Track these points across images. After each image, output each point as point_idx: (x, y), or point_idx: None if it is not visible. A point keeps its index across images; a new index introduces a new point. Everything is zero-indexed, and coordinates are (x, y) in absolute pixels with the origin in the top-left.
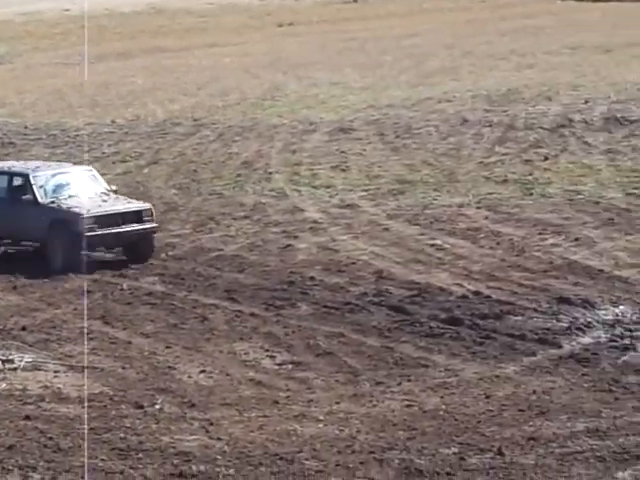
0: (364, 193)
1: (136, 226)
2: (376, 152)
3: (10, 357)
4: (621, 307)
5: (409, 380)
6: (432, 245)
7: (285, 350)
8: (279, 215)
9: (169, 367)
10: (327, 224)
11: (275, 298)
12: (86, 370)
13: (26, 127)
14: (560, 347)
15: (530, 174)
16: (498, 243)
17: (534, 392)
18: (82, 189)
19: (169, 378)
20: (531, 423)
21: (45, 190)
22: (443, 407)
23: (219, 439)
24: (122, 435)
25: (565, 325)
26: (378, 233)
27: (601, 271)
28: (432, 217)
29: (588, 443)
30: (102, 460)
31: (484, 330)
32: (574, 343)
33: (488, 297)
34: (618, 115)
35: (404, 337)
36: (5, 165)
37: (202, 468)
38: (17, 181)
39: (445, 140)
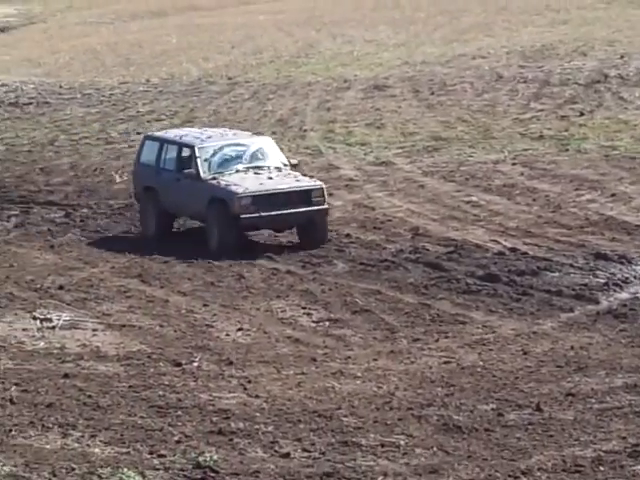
0: (399, 150)
1: (301, 208)
2: (411, 109)
3: (48, 316)
4: None
5: (446, 337)
6: (468, 202)
7: (322, 307)
8: (314, 172)
9: (207, 325)
10: (362, 181)
11: (312, 256)
12: (124, 328)
13: (61, 86)
14: (597, 303)
15: (566, 130)
16: (534, 199)
17: (572, 348)
18: (252, 163)
19: (207, 336)
20: (569, 379)
21: (210, 164)
22: (480, 363)
23: (257, 397)
24: (161, 393)
25: (602, 281)
26: (414, 190)
27: (638, 226)
28: (467, 174)
29: (626, 398)
30: (141, 418)
31: (521, 286)
32: (611, 299)
33: (525, 253)
34: None
35: (441, 294)
36: (178, 134)
37: (241, 425)
38: (185, 152)
39: (480, 97)
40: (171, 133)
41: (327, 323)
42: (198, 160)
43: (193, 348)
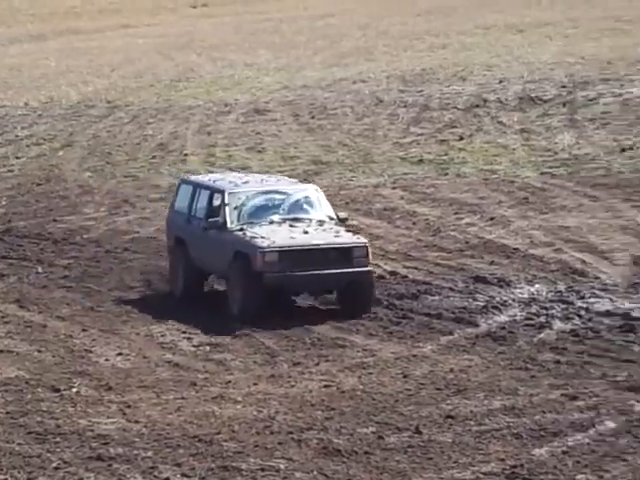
0: (280, 174)
1: (339, 269)
2: (291, 133)
3: None
4: (536, 285)
5: (327, 360)
6: (348, 226)
7: (202, 332)
8: None
9: (85, 350)
10: None
11: None
12: (1, 354)
13: None
14: (477, 326)
15: (445, 154)
16: (414, 223)
17: (451, 370)
18: (291, 214)
19: (86, 361)
20: (448, 401)
21: (240, 212)
22: (361, 387)
23: (137, 422)
24: (39, 419)
25: (481, 304)
26: None
27: (516, 250)
28: (348, 197)
29: (505, 420)
30: (19, 444)
31: (401, 310)
32: (490, 322)
33: (405, 277)
34: (532, 94)
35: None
36: (213, 177)
37: (120, 451)
38: (215, 199)
39: (360, 121)
40: (207, 177)
41: (207, 347)
42: (227, 208)
43: (72, 373)
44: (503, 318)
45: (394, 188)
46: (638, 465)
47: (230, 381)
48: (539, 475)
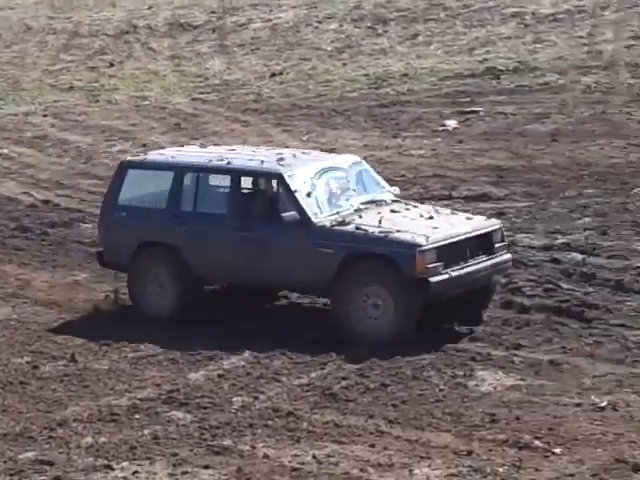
0: None
1: (485, 261)
2: None
3: None
4: None
5: None
6: None
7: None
8: None
9: None
10: None
11: None
12: None
13: None
14: None
15: (96, 81)
16: (65, 151)
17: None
18: (363, 196)
19: None
20: (105, 329)
21: (318, 201)
22: (15, 317)
23: None
24: None
25: None
26: None
27: None
28: None
29: (160, 347)
30: None
31: (54, 238)
32: None
33: (57, 205)
34: (181, 20)
35: None
36: (223, 155)
37: None
38: (257, 185)
39: (9, 48)
40: (193, 157)
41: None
42: (297, 195)
43: None
44: None
45: (45, 116)
46: (292, 386)
47: None
48: (195, 399)
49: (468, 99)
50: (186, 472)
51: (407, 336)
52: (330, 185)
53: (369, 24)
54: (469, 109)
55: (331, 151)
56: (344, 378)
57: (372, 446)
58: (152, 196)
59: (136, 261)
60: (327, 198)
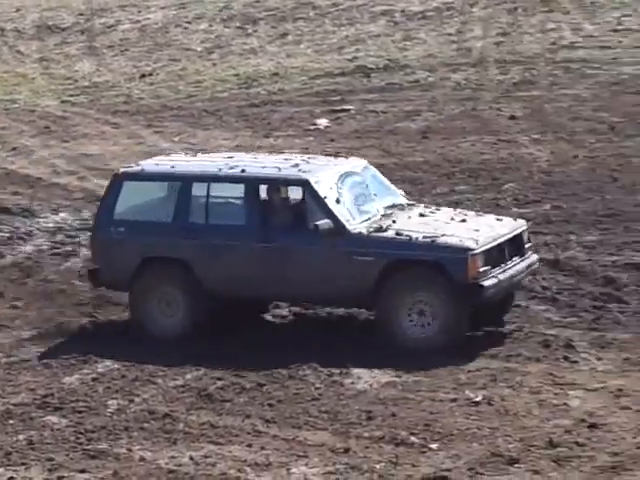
0: None
1: (519, 263)
2: None
3: None
4: (61, 214)
5: None
6: None
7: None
8: None
9: None
10: None
11: None
12: None
13: None
14: (3, 257)
15: None
16: None
17: None
18: (384, 201)
19: None
20: None
21: (347, 207)
22: None
23: None
24: None
25: (7, 235)
26: None
27: (40, 179)
28: None
29: (33, 351)
30: None
31: None
32: (16, 252)
33: None
34: (49, 23)
35: None
36: (232, 163)
37: None
38: (277, 192)
39: None
40: (199, 166)
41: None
42: (327, 202)
43: None
44: (29, 248)
45: None
46: (168, 387)
47: None
48: (70, 403)
49: (339, 98)
50: (62, 477)
51: (458, 342)
52: (353, 190)
53: (238, 24)
54: (340, 108)
55: (203, 151)
56: (219, 379)
57: (249, 446)
58: (155, 209)
59: (140, 279)
60: (354, 204)
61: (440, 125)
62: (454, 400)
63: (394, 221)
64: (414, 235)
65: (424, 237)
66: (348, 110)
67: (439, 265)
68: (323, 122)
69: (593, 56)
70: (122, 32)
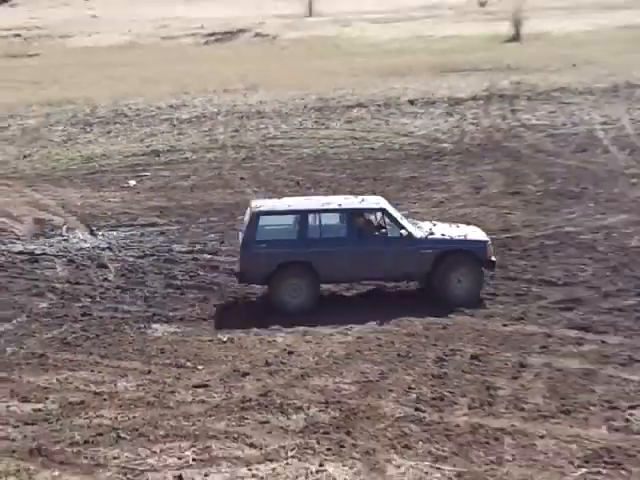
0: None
1: None
2: None
3: None
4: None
5: None
6: None
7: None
8: None
9: None
10: None
11: None
12: None
13: None
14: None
15: None
16: None
17: None
18: (405, 218)
19: None
20: None
21: (406, 223)
22: None
23: None
24: None
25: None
26: None
27: None
28: None
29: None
30: None
31: None
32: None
33: None
34: None
35: None
36: (324, 201)
37: None
38: (361, 216)
39: None
40: (305, 204)
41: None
42: (401, 221)
43: None
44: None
45: None
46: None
47: None
48: None
49: (141, 168)
50: None
51: (477, 298)
52: (396, 214)
53: (81, 126)
54: (142, 174)
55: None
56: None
57: (92, 372)
58: (283, 231)
59: (276, 276)
60: (406, 222)
61: (201, 183)
62: (211, 340)
63: (431, 229)
64: (452, 235)
65: (457, 236)
66: (147, 175)
67: (470, 252)
68: (132, 182)
69: (286, 143)
70: (11, 131)
